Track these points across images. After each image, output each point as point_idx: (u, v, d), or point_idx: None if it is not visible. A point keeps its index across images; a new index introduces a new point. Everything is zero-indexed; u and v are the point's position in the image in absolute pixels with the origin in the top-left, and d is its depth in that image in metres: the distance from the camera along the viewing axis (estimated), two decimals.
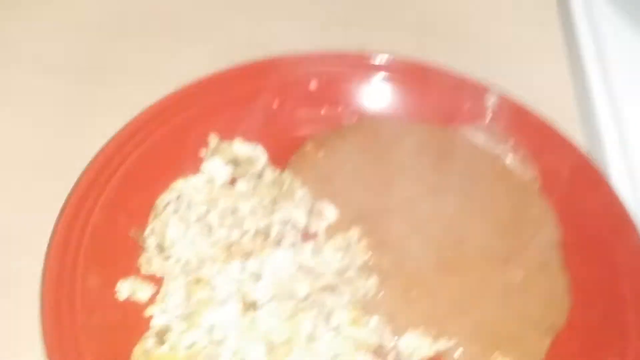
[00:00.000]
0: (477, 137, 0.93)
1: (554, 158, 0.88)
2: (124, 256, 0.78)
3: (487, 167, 0.90)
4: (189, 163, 0.86)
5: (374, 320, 0.72)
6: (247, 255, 0.75)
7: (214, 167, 0.83)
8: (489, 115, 0.93)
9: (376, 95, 0.95)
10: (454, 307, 0.76)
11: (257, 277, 0.74)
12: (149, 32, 1.08)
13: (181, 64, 1.02)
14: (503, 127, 0.92)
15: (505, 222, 0.84)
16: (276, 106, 0.93)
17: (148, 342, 0.69)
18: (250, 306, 0.69)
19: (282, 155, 0.89)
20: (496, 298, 0.77)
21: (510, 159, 0.90)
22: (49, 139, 0.93)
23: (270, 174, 0.82)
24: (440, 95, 0.93)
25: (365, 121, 0.94)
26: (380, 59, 0.95)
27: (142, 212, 0.81)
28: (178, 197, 0.78)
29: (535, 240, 0.83)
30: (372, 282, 0.76)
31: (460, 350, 0.72)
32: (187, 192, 0.79)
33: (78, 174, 0.80)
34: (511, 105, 0.92)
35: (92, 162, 0.81)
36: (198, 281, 0.72)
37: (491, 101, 0.93)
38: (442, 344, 0.72)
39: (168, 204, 0.77)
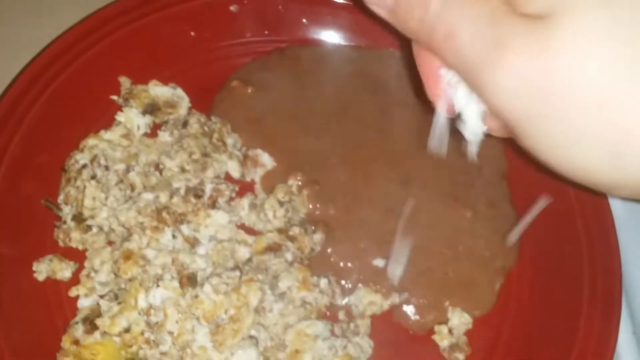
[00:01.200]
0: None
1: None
2: (37, 229, 0.69)
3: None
4: (99, 112, 0.75)
5: (324, 281, 0.67)
6: (180, 219, 0.67)
7: (130, 116, 0.72)
8: None
9: (303, 16, 0.85)
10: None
11: (194, 243, 0.67)
12: None
13: None
14: None
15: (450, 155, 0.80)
16: (193, 35, 0.82)
17: (77, 329, 0.62)
18: (189, 281, 0.62)
19: (205, 95, 0.79)
20: (445, 241, 0.73)
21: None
22: None
23: (195, 121, 0.73)
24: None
25: (292, 49, 0.84)
26: None
27: (52, 175, 0.71)
28: (93, 159, 0.68)
29: (482, 173, 0.79)
30: (318, 237, 0.71)
31: (413, 304, 0.70)
32: (103, 151, 0.69)
33: None
34: None
35: None
36: (127, 256, 0.64)
37: None
38: (394, 298, 0.69)
39: (83, 167, 0.67)
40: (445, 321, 0.70)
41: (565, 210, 0.74)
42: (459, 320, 0.69)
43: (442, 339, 0.68)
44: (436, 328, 0.69)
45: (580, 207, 0.73)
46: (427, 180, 0.77)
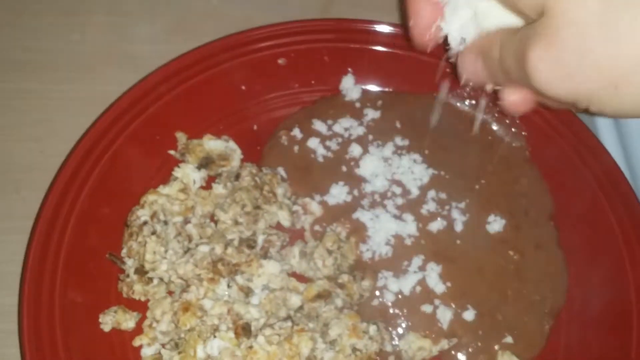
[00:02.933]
0: (460, 103, 0.88)
1: (544, 122, 0.84)
2: (103, 279, 0.73)
3: (473, 135, 0.85)
4: (158, 167, 0.80)
5: (373, 328, 0.69)
6: (234, 270, 0.71)
7: (187, 172, 0.77)
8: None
9: (348, 65, 0.88)
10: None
11: (247, 292, 0.70)
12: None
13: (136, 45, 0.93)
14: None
15: (497, 197, 0.81)
16: (244, 89, 0.86)
17: None
18: (244, 331, 0.66)
19: (255, 146, 0.83)
20: (493, 285, 0.75)
21: (496, 126, 0.86)
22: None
23: (247, 174, 0.77)
24: (417, 62, 0.87)
25: (336, 97, 0.88)
26: (353, 26, 0.88)
27: (116, 228, 0.75)
28: (153, 215, 0.72)
29: (528, 215, 0.80)
30: (367, 283, 0.73)
31: (462, 349, 0.71)
32: (162, 206, 0.74)
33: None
34: None
35: (56, 179, 0.75)
36: (186, 308, 0.68)
37: None
38: (443, 344, 0.71)
39: (144, 223, 0.72)
40: None
41: (614, 254, 0.74)
42: None
43: None
44: None
45: (629, 252, 0.73)
46: (474, 224, 0.78)
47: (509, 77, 0.54)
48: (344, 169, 0.81)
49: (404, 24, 0.87)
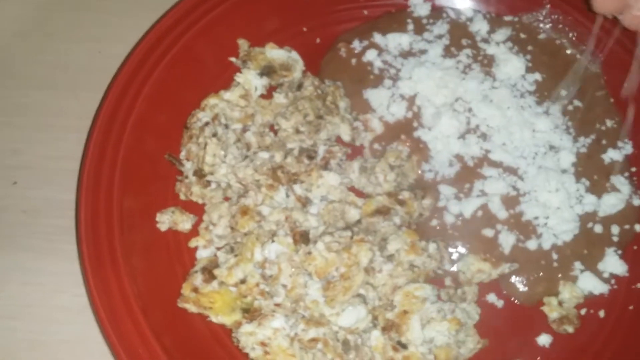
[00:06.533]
0: (538, 27, 0.83)
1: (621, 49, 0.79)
2: (160, 181, 0.72)
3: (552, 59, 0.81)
4: (218, 73, 0.78)
5: (433, 246, 0.68)
6: (293, 179, 0.69)
7: (248, 78, 0.75)
8: (547, 2, 0.83)
9: None
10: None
11: (305, 202, 0.69)
12: None
13: None
14: (563, 15, 0.82)
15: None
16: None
17: (196, 277, 0.65)
18: (302, 238, 0.64)
19: (318, 58, 0.81)
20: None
21: (573, 51, 0.81)
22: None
23: (310, 84, 0.74)
24: None
25: (401, 12, 0.84)
26: None
27: (174, 132, 0.74)
28: (214, 117, 0.71)
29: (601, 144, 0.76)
30: (427, 202, 0.71)
31: (522, 275, 0.69)
32: (223, 110, 0.72)
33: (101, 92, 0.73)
34: None
35: (116, 77, 0.73)
36: (245, 212, 0.67)
37: None
38: (505, 268, 0.69)
39: (205, 124, 0.70)
40: (555, 294, 0.69)
41: None
42: (570, 294, 0.68)
43: (552, 311, 0.67)
44: (546, 299, 0.68)
45: None
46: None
47: None
48: (402, 84, 0.77)
49: None
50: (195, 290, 0.65)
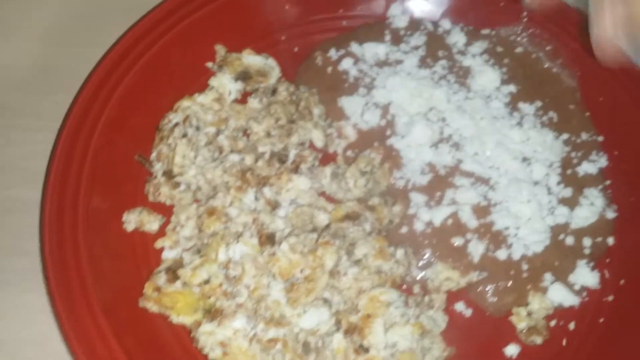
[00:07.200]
0: (515, 40, 0.83)
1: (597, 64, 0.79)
2: (129, 182, 0.72)
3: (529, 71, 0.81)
4: (194, 78, 0.78)
5: (400, 252, 0.67)
6: (263, 182, 0.69)
7: (223, 82, 0.75)
8: (524, 16, 0.84)
9: None
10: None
11: (274, 206, 0.69)
12: None
13: None
14: (541, 29, 0.83)
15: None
16: (288, 8, 0.83)
17: (159, 277, 0.65)
18: (268, 239, 0.64)
19: (295, 67, 0.81)
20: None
21: (550, 64, 0.82)
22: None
23: (284, 89, 0.75)
24: None
25: (379, 23, 0.84)
26: None
27: (146, 134, 0.74)
28: (185, 119, 0.71)
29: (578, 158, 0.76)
30: (398, 209, 0.70)
31: (490, 285, 0.68)
32: (195, 113, 0.72)
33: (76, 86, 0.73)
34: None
35: (89, 78, 0.73)
36: (211, 213, 0.66)
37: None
38: (473, 276, 0.68)
39: (175, 126, 0.70)
40: (525, 304, 0.68)
41: None
42: (540, 305, 0.67)
43: (520, 321, 0.67)
44: (514, 310, 0.67)
45: None
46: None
47: None
48: (376, 93, 0.77)
49: None
50: (158, 289, 0.64)
